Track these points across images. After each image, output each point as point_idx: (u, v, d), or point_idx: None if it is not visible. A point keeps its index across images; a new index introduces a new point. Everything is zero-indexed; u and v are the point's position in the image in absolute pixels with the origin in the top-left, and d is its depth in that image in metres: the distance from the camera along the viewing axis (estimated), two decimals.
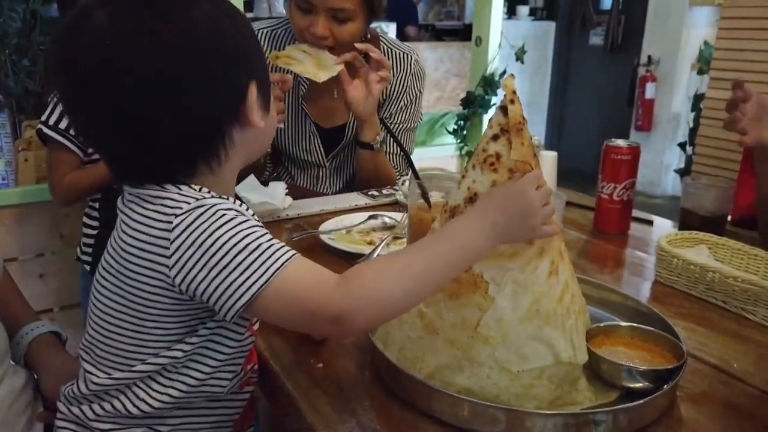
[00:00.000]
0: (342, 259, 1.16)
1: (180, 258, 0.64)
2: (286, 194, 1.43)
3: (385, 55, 1.66)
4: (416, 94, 1.70)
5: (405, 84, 1.68)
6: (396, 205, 1.50)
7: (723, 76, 2.62)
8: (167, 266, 0.65)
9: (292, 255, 0.65)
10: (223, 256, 0.63)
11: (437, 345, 0.73)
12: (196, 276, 0.64)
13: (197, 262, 0.63)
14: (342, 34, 1.44)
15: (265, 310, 0.65)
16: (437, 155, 3.43)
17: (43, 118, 1.56)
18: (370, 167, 1.62)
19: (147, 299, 0.69)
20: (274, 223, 1.37)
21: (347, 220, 1.34)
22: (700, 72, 4.41)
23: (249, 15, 3.65)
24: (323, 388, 0.76)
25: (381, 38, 1.69)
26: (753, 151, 1.24)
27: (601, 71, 5.81)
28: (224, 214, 0.65)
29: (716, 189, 1.26)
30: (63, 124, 1.54)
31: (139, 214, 0.68)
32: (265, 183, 1.46)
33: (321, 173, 1.71)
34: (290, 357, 0.83)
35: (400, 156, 1.71)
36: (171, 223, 0.65)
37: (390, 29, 4.66)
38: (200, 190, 0.69)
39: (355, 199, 1.54)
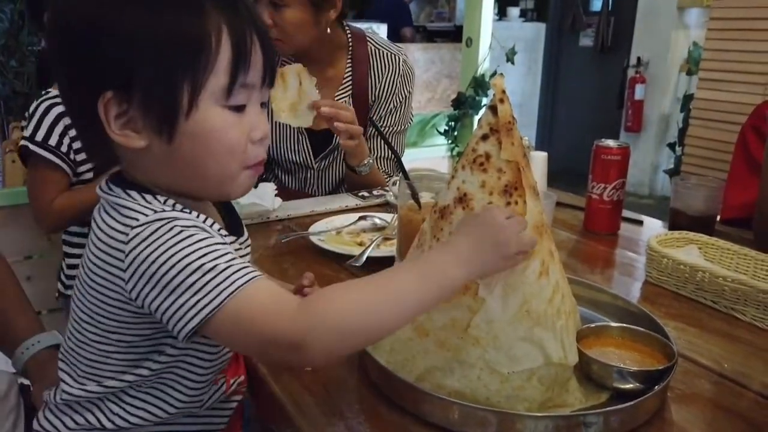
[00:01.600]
0: (332, 261, 1.15)
1: (134, 273, 0.61)
2: (276, 195, 1.42)
3: (372, 56, 1.66)
4: (405, 96, 1.69)
5: (394, 86, 1.66)
6: (386, 206, 1.49)
7: (712, 77, 2.64)
8: (123, 279, 0.63)
9: (251, 278, 0.61)
10: (176, 276, 0.59)
11: (427, 347, 0.73)
12: (149, 293, 0.61)
13: (150, 279, 0.60)
14: (282, 22, 1.42)
15: (218, 334, 0.61)
16: (428, 156, 3.44)
17: (28, 132, 1.41)
18: (358, 182, 1.60)
19: (108, 311, 0.66)
20: (263, 225, 1.36)
21: (337, 221, 1.34)
22: (689, 73, 4.44)
23: None
24: (311, 392, 0.75)
25: (368, 39, 1.68)
26: None
27: (591, 72, 5.84)
28: (181, 231, 0.61)
29: (706, 189, 1.27)
30: (53, 141, 1.41)
31: (104, 222, 0.66)
32: (255, 184, 1.45)
33: (309, 175, 1.70)
34: None
35: (391, 160, 1.70)
36: (128, 234, 0.62)
37: (381, 30, 4.66)
38: (165, 201, 0.66)
39: (346, 200, 1.54)
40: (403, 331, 0.75)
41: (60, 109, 1.42)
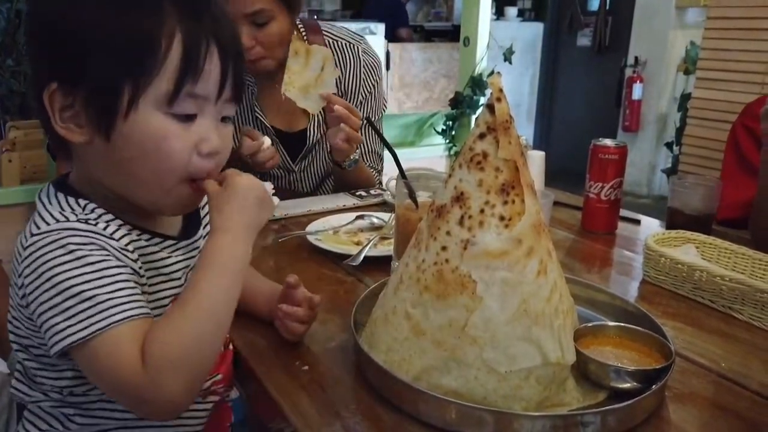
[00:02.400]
0: (329, 260, 1.15)
1: (24, 280, 0.62)
2: (273, 194, 1.41)
3: (330, 48, 1.57)
4: (372, 85, 1.63)
5: (358, 78, 1.61)
6: (383, 206, 1.49)
7: (709, 76, 2.64)
8: (17, 285, 0.63)
9: (125, 317, 0.60)
10: (55, 296, 0.59)
11: (424, 346, 0.72)
12: (31, 303, 0.61)
13: (34, 290, 0.61)
14: (268, 38, 1.38)
15: (80, 363, 0.62)
16: (426, 155, 3.44)
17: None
18: (346, 178, 1.57)
19: (21, 312, 0.67)
20: None
21: (334, 220, 1.33)
22: (687, 72, 4.45)
23: None
24: (307, 391, 0.75)
25: (323, 30, 1.61)
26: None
27: (588, 72, 5.84)
28: (74, 250, 0.61)
29: (703, 188, 1.27)
30: None
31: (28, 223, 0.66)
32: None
33: (292, 178, 1.67)
34: (273, 359, 0.82)
35: (374, 153, 1.68)
36: (27, 239, 0.62)
37: (378, 29, 4.66)
38: (86, 206, 0.66)
39: (343, 199, 1.53)
40: (399, 331, 0.74)
41: None
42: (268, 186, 1.40)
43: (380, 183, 1.70)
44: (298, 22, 1.57)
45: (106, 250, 0.62)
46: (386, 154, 1.68)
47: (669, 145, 4.16)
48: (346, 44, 1.61)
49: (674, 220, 1.28)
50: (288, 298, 0.84)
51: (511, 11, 6.18)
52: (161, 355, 0.59)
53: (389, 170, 1.71)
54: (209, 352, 0.64)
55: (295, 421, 0.70)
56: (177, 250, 0.75)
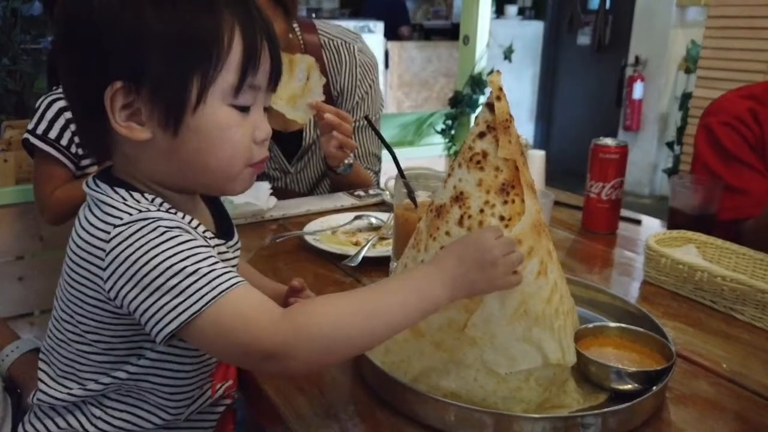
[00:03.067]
0: (327, 261, 1.14)
1: (114, 272, 0.61)
2: (271, 195, 1.41)
3: (326, 48, 1.58)
4: (369, 86, 1.62)
5: (354, 77, 1.60)
6: (382, 205, 1.48)
7: (710, 75, 2.63)
8: (102, 278, 0.62)
9: (234, 283, 0.60)
10: (157, 277, 0.59)
11: (423, 348, 0.72)
12: (128, 293, 0.60)
13: (130, 279, 0.60)
14: None
15: (198, 338, 0.60)
16: (425, 155, 3.43)
17: (30, 126, 1.45)
18: (341, 182, 1.56)
19: (87, 310, 0.66)
20: (258, 224, 1.35)
21: (333, 220, 1.32)
22: (688, 71, 4.44)
23: None
24: (305, 393, 0.74)
25: (318, 29, 1.60)
26: None
27: (588, 71, 5.83)
28: (165, 231, 0.61)
29: (704, 187, 1.26)
30: (53, 134, 1.43)
31: (86, 219, 0.65)
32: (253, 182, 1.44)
33: (287, 179, 1.66)
34: None
35: (372, 155, 1.67)
36: (109, 233, 0.61)
37: (377, 28, 4.66)
38: (153, 200, 0.65)
39: (341, 199, 1.53)
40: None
41: (62, 104, 1.45)
42: (266, 186, 1.41)
43: (377, 184, 1.70)
44: (293, 23, 1.56)
45: (191, 234, 0.63)
46: (385, 153, 1.68)
47: (670, 145, 4.15)
48: (341, 43, 1.59)
49: (675, 220, 1.27)
50: (292, 301, 0.84)
51: (511, 10, 6.17)
52: (312, 318, 0.60)
53: (388, 170, 1.71)
54: (345, 348, 0.62)
55: (293, 423, 0.69)
56: (221, 246, 0.74)
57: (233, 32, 0.64)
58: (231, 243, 0.76)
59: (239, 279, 0.61)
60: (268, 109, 0.73)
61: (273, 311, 0.60)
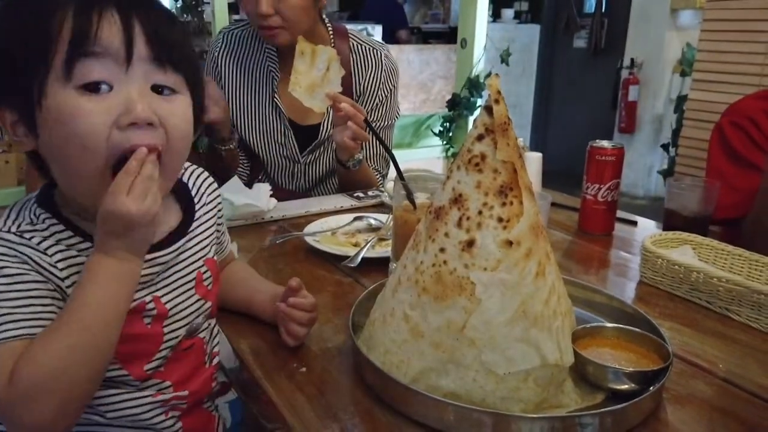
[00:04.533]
0: (327, 262, 1.15)
1: None
2: (271, 196, 1.41)
3: (354, 51, 1.66)
4: (390, 90, 1.68)
5: (378, 80, 1.66)
6: (381, 207, 1.49)
7: (706, 78, 2.65)
8: None
9: (17, 335, 0.60)
10: None
11: (422, 348, 0.72)
12: None
13: None
14: (288, 9, 1.42)
15: None
16: (423, 157, 3.44)
17: None
18: (349, 177, 1.60)
19: None
20: (258, 226, 1.35)
21: (332, 221, 1.33)
22: (683, 74, 4.46)
23: (235, 17, 3.63)
24: (305, 393, 0.75)
25: (350, 34, 1.67)
26: None
27: (585, 74, 5.85)
28: None
29: (700, 190, 1.27)
30: None
31: None
32: (248, 185, 1.45)
33: (296, 169, 1.71)
34: (272, 360, 0.82)
35: (381, 157, 1.70)
36: None
37: (375, 31, 4.66)
38: (38, 217, 0.67)
39: (341, 200, 1.53)
40: (397, 333, 0.74)
41: None
42: (266, 187, 1.41)
43: (382, 184, 1.72)
44: (327, 23, 1.61)
45: (29, 264, 0.63)
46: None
47: (665, 147, 4.16)
48: (369, 48, 1.67)
49: (671, 221, 1.28)
50: (289, 300, 0.84)
51: (508, 13, 6.19)
52: (29, 375, 0.58)
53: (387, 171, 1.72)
54: (83, 374, 0.61)
55: (293, 423, 0.69)
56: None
57: (66, 13, 0.61)
58: (160, 253, 0.74)
59: (29, 332, 0.61)
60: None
61: (5, 374, 0.59)
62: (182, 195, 0.81)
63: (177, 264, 0.77)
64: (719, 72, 2.59)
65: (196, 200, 0.83)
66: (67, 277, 0.66)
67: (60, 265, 0.66)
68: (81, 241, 0.68)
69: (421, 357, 0.72)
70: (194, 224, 0.80)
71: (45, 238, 0.66)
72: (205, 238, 0.82)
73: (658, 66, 4.96)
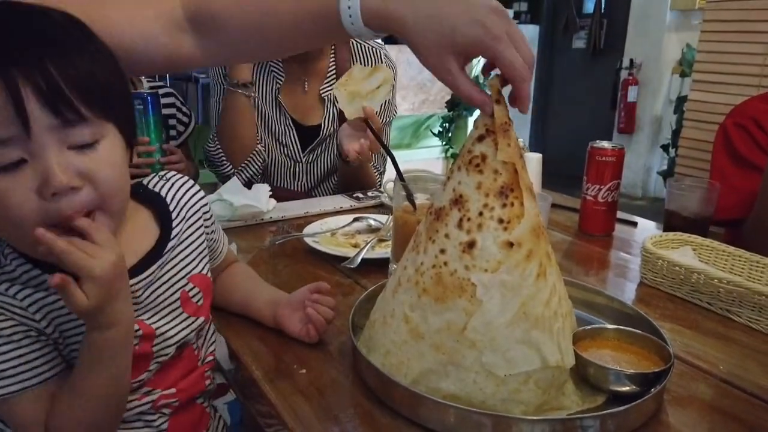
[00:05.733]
0: (326, 263, 1.14)
1: None
2: (270, 197, 1.41)
3: (354, 49, 1.72)
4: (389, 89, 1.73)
5: None
6: (381, 208, 1.49)
7: (706, 79, 2.65)
8: None
9: (18, 389, 0.65)
10: None
11: (422, 350, 0.72)
12: None
13: None
14: None
15: None
16: (422, 157, 3.44)
17: None
18: (350, 174, 1.64)
19: None
20: (257, 226, 1.35)
21: (332, 222, 1.33)
22: (683, 75, 4.46)
23: None
24: (305, 394, 0.74)
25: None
26: None
27: (584, 74, 5.85)
28: None
29: (701, 190, 1.27)
30: None
31: None
32: (248, 185, 1.45)
33: (297, 168, 1.73)
34: (272, 362, 0.82)
35: (379, 155, 1.72)
36: None
37: None
38: (6, 257, 0.68)
39: (340, 201, 1.53)
40: (398, 335, 0.74)
41: None
42: (265, 188, 1.41)
43: (380, 183, 1.74)
44: None
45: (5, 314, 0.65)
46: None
47: (665, 148, 4.17)
48: (369, 47, 1.73)
49: (671, 222, 1.28)
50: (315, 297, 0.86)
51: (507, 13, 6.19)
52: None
53: (387, 172, 1.73)
54: (110, 421, 0.70)
55: (293, 424, 0.69)
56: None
57: None
58: (142, 276, 0.73)
59: (19, 388, 0.65)
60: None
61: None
62: (159, 211, 0.79)
63: (158, 286, 0.75)
64: (719, 73, 2.59)
65: (174, 215, 0.79)
66: (42, 318, 0.67)
67: (31, 309, 0.67)
68: (41, 273, 0.68)
69: (422, 358, 0.72)
70: (172, 242, 0.78)
71: (13, 282, 0.67)
72: (189, 255, 0.80)
73: (658, 67, 4.96)
